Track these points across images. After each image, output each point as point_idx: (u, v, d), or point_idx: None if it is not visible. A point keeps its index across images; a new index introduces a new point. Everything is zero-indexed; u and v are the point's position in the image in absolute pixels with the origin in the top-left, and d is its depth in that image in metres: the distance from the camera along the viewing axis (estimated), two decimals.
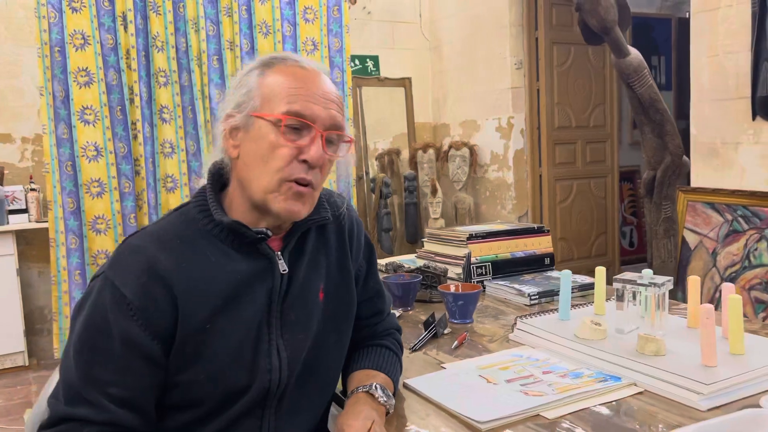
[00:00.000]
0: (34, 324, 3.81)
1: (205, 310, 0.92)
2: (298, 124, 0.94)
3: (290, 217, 0.97)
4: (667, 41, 6.06)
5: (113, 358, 0.88)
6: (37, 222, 3.60)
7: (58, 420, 0.89)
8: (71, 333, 0.93)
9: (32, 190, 3.63)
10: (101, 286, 0.91)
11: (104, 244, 3.47)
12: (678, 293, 2.93)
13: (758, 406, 0.97)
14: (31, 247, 3.80)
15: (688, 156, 2.90)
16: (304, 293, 1.02)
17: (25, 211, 3.58)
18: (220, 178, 1.02)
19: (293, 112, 0.94)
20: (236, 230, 0.96)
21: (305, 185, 0.95)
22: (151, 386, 0.91)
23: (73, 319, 0.94)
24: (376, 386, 1.03)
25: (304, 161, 0.94)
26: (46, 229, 3.50)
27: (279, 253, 1.00)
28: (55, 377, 1.02)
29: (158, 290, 0.90)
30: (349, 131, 1.04)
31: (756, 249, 2.77)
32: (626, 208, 5.98)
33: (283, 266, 0.99)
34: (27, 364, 3.59)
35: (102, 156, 3.44)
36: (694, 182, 3.05)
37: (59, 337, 3.42)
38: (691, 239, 3.03)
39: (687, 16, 5.82)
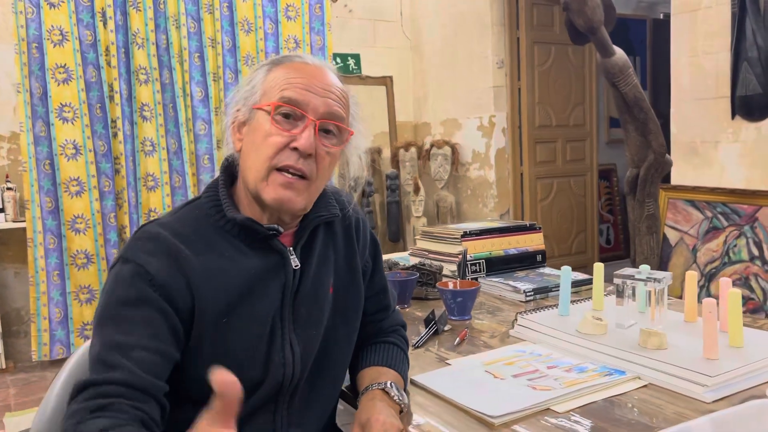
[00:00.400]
0: (11, 326, 3.72)
1: (221, 304, 0.92)
2: (290, 111, 0.94)
3: (282, 206, 0.95)
4: (642, 42, 6.15)
5: (136, 326, 0.85)
6: (13, 222, 3.51)
7: (80, 387, 0.83)
8: (94, 319, 0.91)
9: (8, 189, 3.54)
10: (120, 267, 0.90)
11: (83, 244, 3.41)
12: None
13: (764, 396, 0.99)
14: (7, 247, 3.71)
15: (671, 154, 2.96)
16: (316, 289, 1.02)
17: (1, 210, 3.50)
18: (231, 173, 1.02)
19: (285, 98, 0.94)
20: (248, 227, 0.96)
21: (297, 175, 0.94)
22: (172, 356, 0.88)
23: (97, 310, 0.91)
24: (391, 384, 1.02)
25: (296, 149, 0.93)
26: (23, 229, 3.43)
27: (290, 248, 1.01)
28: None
29: (179, 276, 0.90)
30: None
31: (735, 245, 2.83)
32: (603, 205, 6.07)
33: (295, 262, 1.00)
34: (4, 366, 3.51)
35: (81, 154, 3.38)
36: (675, 180, 3.10)
37: (37, 339, 3.35)
38: (672, 236, 3.09)
39: (662, 17, 5.95)
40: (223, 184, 1.00)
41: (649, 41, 6.08)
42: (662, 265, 3.08)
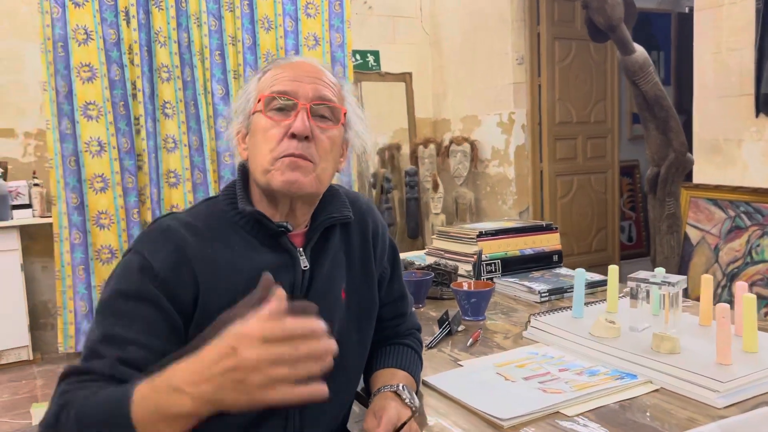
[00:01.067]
0: (38, 318, 3.82)
1: (225, 299, 0.91)
2: (282, 104, 0.97)
3: (291, 189, 0.96)
4: (666, 36, 6.07)
5: (135, 321, 0.87)
6: (41, 217, 3.60)
7: (66, 373, 0.85)
8: (98, 303, 0.93)
9: (36, 185, 3.62)
10: (130, 257, 0.93)
11: (108, 239, 3.47)
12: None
13: None
14: (35, 242, 3.80)
15: (692, 153, 2.92)
16: (327, 291, 1.03)
17: (28, 206, 3.58)
18: (247, 177, 1.05)
19: (274, 91, 0.98)
20: (259, 221, 0.99)
21: (299, 157, 0.96)
22: (168, 353, 0.87)
23: (102, 293, 0.94)
24: (402, 387, 1.04)
25: (293, 135, 0.96)
26: (50, 224, 3.51)
27: (301, 249, 1.02)
28: None
29: (185, 270, 0.92)
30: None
31: (758, 245, 2.79)
32: (625, 202, 6.01)
33: (304, 262, 1.01)
34: (31, 358, 3.60)
35: (105, 151, 3.44)
36: (697, 179, 3.07)
37: (63, 331, 3.43)
38: (694, 235, 3.06)
39: (687, 11, 5.85)
40: (241, 181, 1.03)
41: (674, 36, 5.99)
42: (683, 264, 3.05)
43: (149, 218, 3.57)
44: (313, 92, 0.98)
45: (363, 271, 1.10)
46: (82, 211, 3.43)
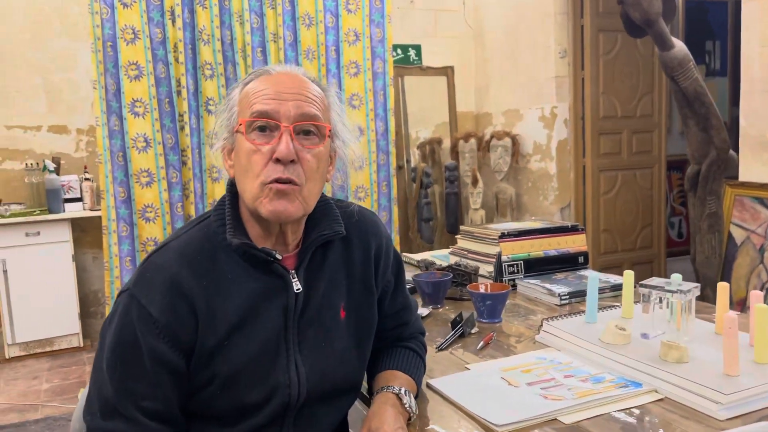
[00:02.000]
0: (89, 307, 4.00)
1: (223, 327, 0.95)
2: (264, 124, 0.95)
3: (279, 218, 0.96)
4: (722, 25, 5.84)
5: (145, 373, 0.91)
6: (91, 210, 3.76)
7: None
8: (100, 347, 0.95)
9: (86, 179, 3.79)
10: (127, 303, 0.94)
11: (153, 232, 3.60)
12: None
13: None
14: (86, 233, 3.97)
15: (734, 150, 2.82)
16: (323, 311, 1.03)
17: (80, 199, 3.74)
18: (236, 192, 1.04)
19: (255, 112, 0.95)
20: (246, 251, 0.98)
21: (287, 183, 0.95)
22: (179, 396, 0.95)
23: (102, 334, 0.97)
24: (405, 391, 1.05)
25: (277, 160, 0.94)
26: (100, 217, 3.66)
27: (294, 271, 1.02)
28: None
29: (182, 306, 0.93)
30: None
31: None
32: (675, 198, 5.84)
33: (297, 285, 1.01)
34: (81, 345, 3.78)
35: (151, 147, 3.56)
36: (742, 176, 2.96)
37: None
38: (738, 235, 2.95)
39: None
40: (230, 203, 1.02)
41: (731, 24, 5.76)
42: (726, 264, 2.95)
43: (193, 212, 3.69)
44: (296, 110, 0.95)
45: (363, 287, 1.09)
46: (129, 204, 3.57)
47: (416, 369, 1.15)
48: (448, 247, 4.35)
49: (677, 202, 5.86)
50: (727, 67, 5.85)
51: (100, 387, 0.93)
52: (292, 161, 0.95)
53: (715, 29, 5.93)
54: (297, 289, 1.01)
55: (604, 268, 4.01)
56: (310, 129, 0.98)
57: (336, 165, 1.06)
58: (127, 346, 0.92)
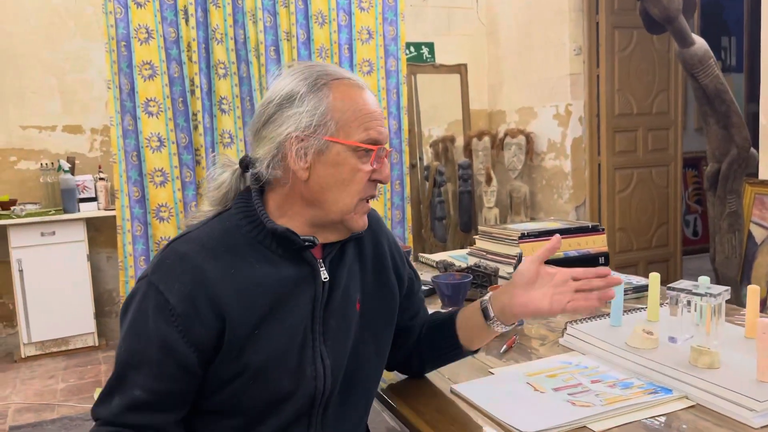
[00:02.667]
0: (104, 306, 4.01)
1: (253, 317, 0.95)
2: (373, 148, 1.00)
3: (362, 230, 1.05)
4: (738, 21, 5.78)
5: (147, 363, 0.92)
6: (105, 210, 3.77)
7: (94, 417, 0.97)
8: (120, 332, 0.98)
9: (101, 179, 3.80)
10: (146, 290, 0.94)
11: (167, 231, 3.61)
12: (743, 291, 2.83)
13: None
14: (100, 233, 3.99)
15: (757, 147, 2.78)
16: (345, 302, 1.05)
17: (94, 199, 3.75)
18: (261, 187, 1.04)
19: (372, 140, 1.00)
20: (285, 237, 0.99)
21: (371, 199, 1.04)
22: (183, 393, 0.94)
23: (121, 320, 0.98)
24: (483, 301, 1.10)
25: (377, 181, 1.02)
26: (114, 217, 3.67)
27: (320, 260, 1.03)
28: None
29: (203, 300, 0.92)
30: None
31: None
32: (690, 195, 5.78)
33: (324, 274, 1.02)
34: (97, 344, 3.79)
35: (165, 146, 3.56)
36: (763, 174, 2.92)
37: None
38: (758, 234, 2.91)
39: None
40: (258, 195, 1.02)
41: (747, 21, 5.69)
42: (746, 264, 2.91)
43: None
44: (387, 137, 1.03)
45: (376, 279, 1.12)
46: (143, 204, 3.58)
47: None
48: (461, 246, 4.35)
49: (692, 200, 5.81)
50: (743, 63, 5.79)
51: (113, 368, 0.96)
52: None
53: (730, 26, 5.87)
54: (324, 278, 1.02)
55: (619, 267, 3.97)
56: None
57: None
58: (137, 335, 0.93)
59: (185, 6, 3.55)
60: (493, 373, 1.24)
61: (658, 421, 1.02)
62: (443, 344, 1.17)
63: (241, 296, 0.94)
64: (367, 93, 1.03)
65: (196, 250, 0.95)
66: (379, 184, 1.04)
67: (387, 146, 1.02)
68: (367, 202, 1.03)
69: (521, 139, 4.42)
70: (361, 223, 1.03)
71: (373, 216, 1.15)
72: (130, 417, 0.92)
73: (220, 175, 1.06)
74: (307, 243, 0.99)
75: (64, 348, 3.71)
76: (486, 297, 1.10)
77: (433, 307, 1.57)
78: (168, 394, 0.94)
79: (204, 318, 0.92)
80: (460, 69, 4.79)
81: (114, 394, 0.93)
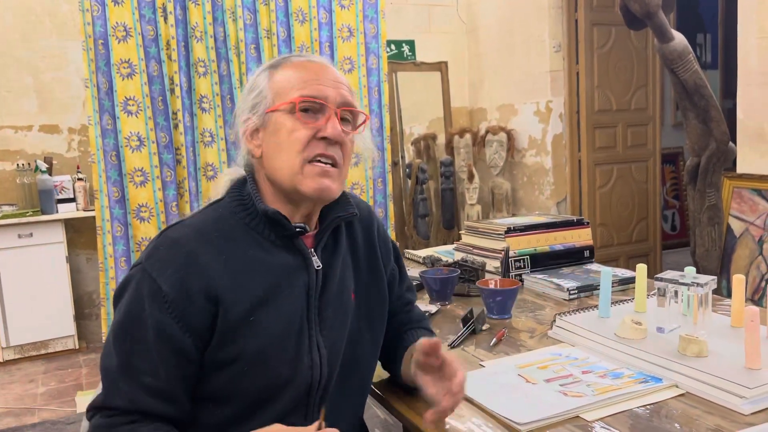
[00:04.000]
0: (83, 308, 3.95)
1: (247, 302, 0.95)
2: (311, 106, 0.98)
3: (322, 195, 0.99)
4: (713, 18, 5.87)
5: (148, 349, 0.91)
6: (84, 210, 3.71)
7: (97, 408, 0.94)
8: (112, 321, 0.97)
9: (79, 179, 3.74)
10: (140, 278, 0.94)
11: (148, 232, 3.56)
12: (723, 283, 2.88)
13: None
14: (79, 234, 3.92)
15: (734, 142, 2.82)
16: (339, 291, 1.05)
17: (73, 200, 3.69)
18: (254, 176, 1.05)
19: (305, 95, 0.98)
20: (277, 221, 0.99)
21: (329, 164, 0.98)
22: (183, 377, 0.94)
23: (115, 306, 0.98)
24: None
25: (323, 138, 0.98)
26: (93, 218, 3.62)
27: (312, 249, 1.03)
28: None
29: (196, 284, 0.92)
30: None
31: None
32: (668, 191, 5.86)
33: (317, 262, 1.02)
34: (77, 347, 3.73)
35: (144, 146, 3.52)
36: (740, 168, 2.97)
37: (107, 321, 3.54)
38: (737, 227, 2.96)
39: None
40: (252, 181, 1.03)
41: (721, 17, 5.78)
42: (725, 257, 2.96)
43: (188, 210, 3.64)
44: (339, 98, 1.00)
45: (369, 269, 1.12)
46: (123, 204, 3.53)
47: None
48: (444, 243, 4.35)
49: (670, 195, 5.89)
50: (718, 60, 5.88)
51: (106, 359, 0.94)
52: (336, 142, 0.99)
53: (706, 22, 5.95)
54: (317, 266, 1.02)
55: (600, 262, 4.00)
56: (347, 116, 1.02)
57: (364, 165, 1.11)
58: (133, 321, 0.93)
59: (164, 3, 3.50)
60: (484, 366, 1.24)
61: (648, 409, 1.03)
62: (392, 363, 1.18)
63: (234, 280, 0.94)
64: (319, 64, 1.02)
65: (190, 236, 0.96)
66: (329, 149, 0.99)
67: (335, 106, 0.99)
68: (319, 162, 0.98)
69: (502, 136, 4.44)
70: (313, 185, 0.97)
71: (364, 207, 1.15)
72: (148, 402, 0.91)
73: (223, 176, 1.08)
74: (298, 229, 1.00)
75: (43, 351, 3.65)
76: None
77: (422, 302, 1.57)
78: (175, 380, 0.93)
79: (197, 302, 0.92)
80: (441, 67, 4.80)
81: (120, 383, 0.92)
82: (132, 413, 0.91)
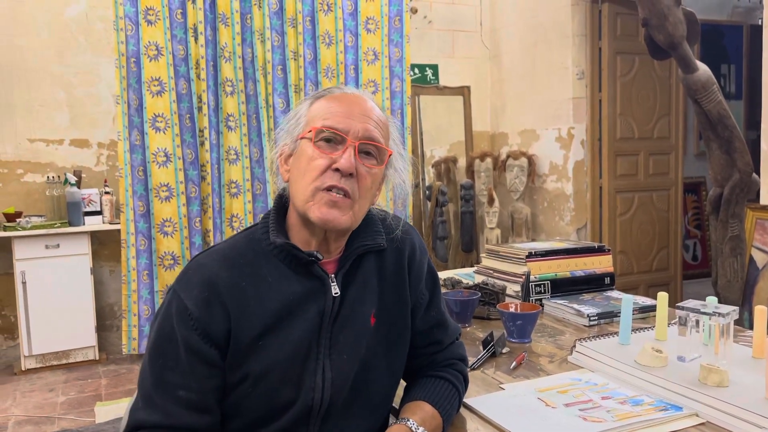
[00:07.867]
0: (105, 320, 4.00)
1: (256, 328, 0.98)
2: (330, 136, 1.00)
3: (327, 224, 0.99)
4: (738, 49, 5.86)
5: (180, 364, 0.97)
6: (110, 224, 3.78)
7: (134, 427, 0.98)
8: (147, 341, 1.02)
9: (106, 193, 3.82)
10: (170, 298, 1.00)
11: (171, 246, 3.62)
12: (745, 315, 2.85)
13: None
14: (104, 246, 3.99)
15: (758, 173, 2.81)
16: (355, 316, 1.05)
17: (99, 212, 3.77)
18: (284, 204, 1.09)
19: (327, 125, 1.01)
20: (289, 251, 1.02)
21: (341, 194, 0.99)
22: (214, 388, 0.98)
23: (151, 327, 1.04)
24: (416, 428, 1.02)
25: (337, 170, 0.99)
26: (118, 231, 3.69)
27: (333, 275, 1.05)
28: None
29: (216, 304, 0.98)
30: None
31: None
32: (690, 220, 5.81)
33: (335, 289, 1.03)
34: (97, 358, 3.78)
35: (171, 162, 3.59)
36: (764, 199, 2.95)
37: (128, 333, 3.59)
38: (759, 258, 2.94)
39: (759, 23, 5.63)
40: (275, 210, 1.07)
41: (746, 49, 5.78)
42: (747, 288, 2.93)
43: (211, 227, 3.71)
44: (363, 132, 1.01)
45: (396, 296, 1.10)
46: (148, 218, 3.60)
47: (447, 401, 1.10)
48: (462, 266, 4.35)
49: (692, 224, 5.84)
50: (743, 90, 5.86)
51: (141, 378, 1.00)
52: (351, 175, 0.99)
53: (730, 53, 5.95)
54: (335, 293, 1.03)
55: (620, 290, 3.97)
56: (371, 150, 1.03)
57: (385, 190, 1.11)
58: (165, 339, 0.98)
59: (195, 24, 3.60)
60: (503, 389, 1.25)
61: None
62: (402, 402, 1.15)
63: (247, 307, 0.99)
64: (353, 96, 1.05)
65: (215, 261, 1.02)
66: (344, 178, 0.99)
67: (355, 140, 0.99)
68: (330, 191, 0.98)
69: (523, 161, 4.46)
70: (318, 213, 0.98)
71: (402, 227, 1.13)
72: (181, 414, 0.96)
73: None
74: (311, 258, 1.01)
75: (64, 361, 3.70)
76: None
77: None
78: (206, 391, 0.98)
79: (218, 320, 0.98)
80: (464, 91, 4.85)
81: (155, 398, 0.97)
82: (167, 428, 0.95)
